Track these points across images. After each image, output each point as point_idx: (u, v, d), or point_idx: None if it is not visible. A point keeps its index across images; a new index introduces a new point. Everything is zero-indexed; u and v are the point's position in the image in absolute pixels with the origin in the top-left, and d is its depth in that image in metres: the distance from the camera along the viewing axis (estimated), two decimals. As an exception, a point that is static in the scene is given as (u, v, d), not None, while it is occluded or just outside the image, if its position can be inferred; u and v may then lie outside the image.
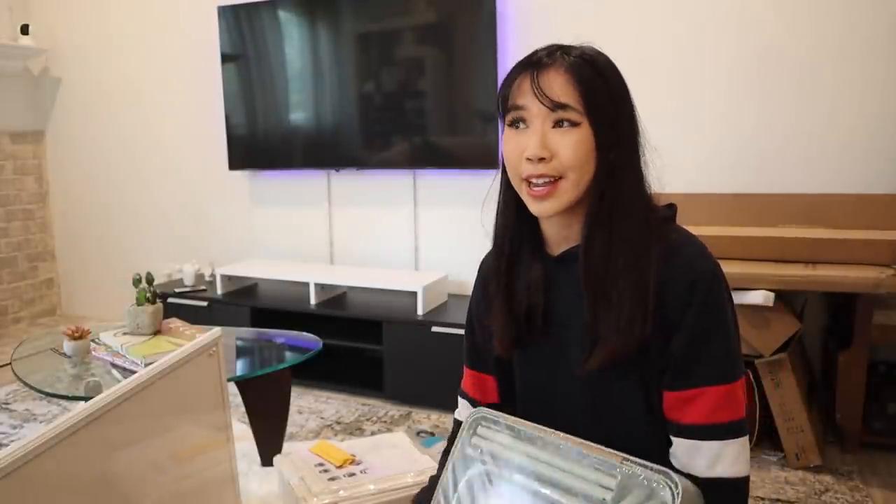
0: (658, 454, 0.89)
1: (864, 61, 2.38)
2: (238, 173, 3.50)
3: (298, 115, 3.20)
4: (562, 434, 0.85)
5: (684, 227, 0.97)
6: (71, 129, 3.98)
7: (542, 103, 0.87)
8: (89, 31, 3.81)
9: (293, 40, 3.16)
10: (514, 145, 0.91)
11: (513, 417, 0.90)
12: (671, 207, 0.99)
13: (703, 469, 0.85)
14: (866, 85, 2.39)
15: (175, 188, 3.73)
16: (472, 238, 3.09)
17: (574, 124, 0.87)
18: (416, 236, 3.17)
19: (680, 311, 0.86)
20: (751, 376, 2.17)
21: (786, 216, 2.39)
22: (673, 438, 0.88)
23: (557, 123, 0.88)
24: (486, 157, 2.82)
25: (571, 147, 0.87)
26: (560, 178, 0.88)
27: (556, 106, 0.87)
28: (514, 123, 0.91)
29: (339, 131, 3.12)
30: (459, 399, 1.10)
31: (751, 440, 2.19)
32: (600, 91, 0.89)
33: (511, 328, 0.97)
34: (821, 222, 2.33)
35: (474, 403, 1.07)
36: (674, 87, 2.64)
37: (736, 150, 2.58)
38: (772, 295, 2.03)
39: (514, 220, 1.00)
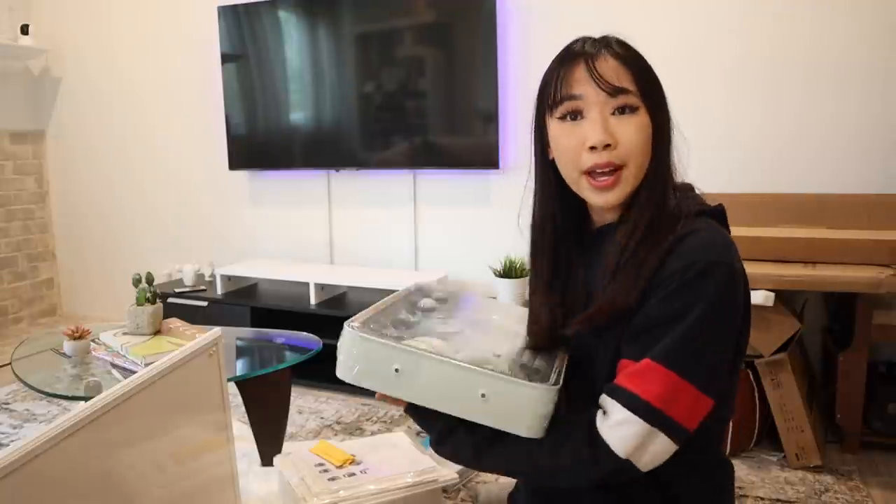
0: None
1: (865, 62, 2.38)
2: (238, 173, 3.50)
3: (298, 115, 3.20)
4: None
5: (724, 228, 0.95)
6: (71, 129, 3.98)
7: (602, 89, 0.86)
8: (89, 31, 3.81)
9: (293, 40, 3.16)
10: (573, 137, 0.89)
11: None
12: (719, 206, 0.99)
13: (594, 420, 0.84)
14: (867, 85, 2.39)
15: (175, 188, 3.73)
16: (472, 238, 3.10)
17: (634, 109, 0.87)
18: (416, 236, 3.17)
19: (664, 285, 0.84)
20: (751, 376, 2.17)
21: (786, 216, 2.39)
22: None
23: (618, 110, 0.87)
24: (486, 157, 2.82)
25: (634, 133, 0.87)
26: (622, 166, 0.88)
27: (617, 91, 0.87)
28: (567, 116, 0.90)
29: (338, 131, 3.12)
30: None
31: (751, 440, 2.20)
32: (650, 75, 0.91)
33: (551, 315, 0.98)
34: (821, 222, 2.33)
35: None
36: (674, 88, 2.62)
37: (737, 150, 2.58)
38: (772, 295, 2.03)
39: (559, 209, 1.00)
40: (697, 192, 1.01)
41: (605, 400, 0.84)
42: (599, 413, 0.85)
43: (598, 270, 0.93)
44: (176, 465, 0.86)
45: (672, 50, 2.62)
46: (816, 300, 2.51)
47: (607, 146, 0.86)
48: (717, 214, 0.95)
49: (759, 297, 2.04)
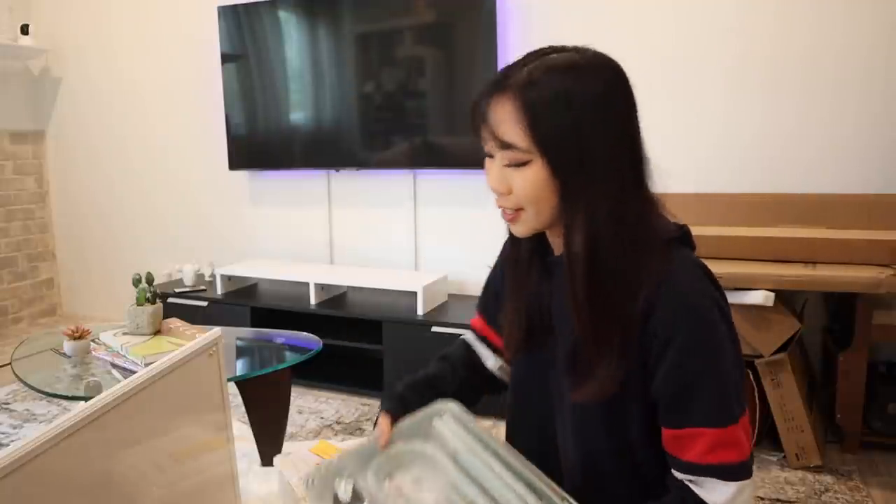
0: (633, 476, 0.88)
1: (865, 62, 2.38)
2: (238, 173, 3.50)
3: (298, 115, 3.20)
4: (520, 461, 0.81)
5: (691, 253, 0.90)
6: (71, 129, 3.98)
7: (492, 141, 0.83)
8: (89, 31, 3.81)
9: (293, 40, 3.16)
10: (487, 172, 0.88)
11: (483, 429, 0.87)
12: (681, 229, 0.90)
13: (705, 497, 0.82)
14: (867, 85, 2.39)
15: (175, 188, 3.73)
16: (472, 238, 3.10)
17: (524, 163, 0.81)
18: (416, 236, 3.17)
19: (664, 344, 0.80)
20: (751, 376, 2.17)
21: (786, 216, 2.39)
22: (674, 472, 0.85)
23: (509, 163, 0.83)
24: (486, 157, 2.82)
25: (522, 185, 0.82)
26: (521, 208, 0.85)
27: (504, 146, 0.82)
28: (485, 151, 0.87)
29: (338, 131, 3.12)
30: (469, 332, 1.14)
31: (751, 440, 2.20)
32: (555, 119, 0.79)
33: (518, 334, 0.96)
34: (821, 222, 2.33)
35: (479, 336, 1.11)
36: (675, 87, 2.64)
37: (737, 150, 2.58)
38: (772, 295, 2.03)
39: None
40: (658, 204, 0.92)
41: (702, 482, 0.82)
42: (700, 493, 0.82)
43: (555, 304, 0.92)
44: (176, 465, 0.86)
45: (672, 49, 2.62)
46: (816, 300, 2.51)
47: (502, 193, 0.85)
48: (684, 237, 0.90)
49: (759, 297, 2.04)
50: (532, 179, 0.81)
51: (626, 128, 0.85)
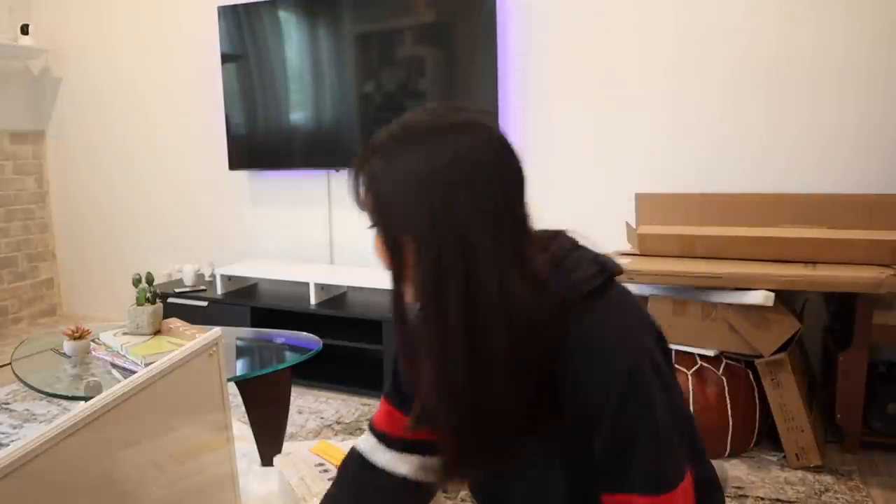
0: None
1: (867, 62, 2.38)
2: (238, 173, 3.50)
3: (298, 115, 3.20)
4: None
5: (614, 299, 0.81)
6: (71, 129, 3.98)
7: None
8: (89, 31, 3.81)
9: (293, 40, 3.16)
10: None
11: None
12: (603, 271, 0.81)
13: None
14: (869, 86, 2.39)
15: (175, 188, 3.73)
16: (472, 238, 3.09)
17: (374, 227, 0.79)
18: (416, 236, 3.17)
19: (597, 409, 0.75)
20: (751, 376, 2.17)
21: (786, 216, 2.39)
22: None
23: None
24: (486, 157, 2.82)
25: (380, 253, 0.80)
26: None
27: (362, 208, 0.80)
28: None
29: (338, 131, 3.12)
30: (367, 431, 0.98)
31: (751, 440, 2.20)
32: (392, 211, 0.75)
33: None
34: (821, 222, 2.33)
35: (383, 437, 0.96)
36: (675, 87, 2.64)
37: (737, 150, 2.58)
38: (772, 295, 2.03)
39: None
40: (572, 254, 0.83)
41: None
42: None
43: None
44: (176, 465, 0.86)
45: (672, 49, 2.62)
46: (816, 300, 2.51)
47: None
48: (607, 282, 0.80)
49: (759, 297, 2.04)
50: (382, 248, 0.78)
51: (492, 198, 0.75)
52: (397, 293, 0.80)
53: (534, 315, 0.73)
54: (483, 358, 0.73)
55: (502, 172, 0.77)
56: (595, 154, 2.80)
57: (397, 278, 0.78)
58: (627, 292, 0.83)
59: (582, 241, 0.86)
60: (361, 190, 0.78)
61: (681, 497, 0.77)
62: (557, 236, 0.85)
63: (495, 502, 0.89)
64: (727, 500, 1.88)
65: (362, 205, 0.79)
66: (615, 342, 0.76)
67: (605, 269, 0.80)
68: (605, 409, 0.75)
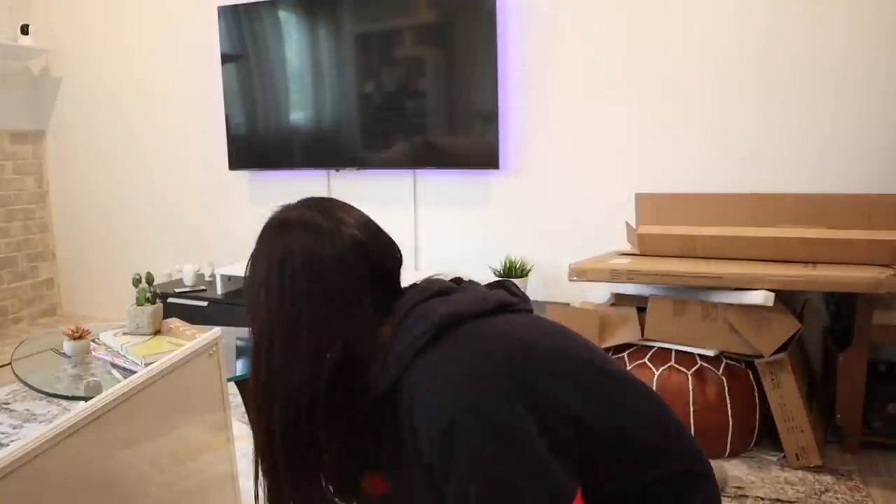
0: None
1: (866, 61, 2.38)
2: (238, 173, 3.50)
3: (298, 115, 3.20)
4: None
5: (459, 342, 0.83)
6: (71, 129, 3.98)
7: None
8: (89, 31, 3.81)
9: (293, 40, 3.16)
10: None
11: None
12: (440, 319, 0.83)
13: None
14: (868, 85, 2.39)
15: (175, 188, 3.73)
16: (472, 238, 3.10)
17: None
18: (416, 236, 3.17)
19: (438, 471, 0.77)
20: (751, 376, 2.17)
21: (786, 216, 2.39)
22: None
23: None
24: (486, 157, 2.82)
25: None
26: None
27: None
28: None
29: (338, 131, 3.12)
30: None
31: (751, 440, 2.20)
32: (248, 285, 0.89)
33: None
34: (821, 222, 2.33)
35: None
36: (675, 87, 2.64)
37: (737, 150, 2.58)
38: (772, 295, 2.03)
39: None
40: (414, 308, 0.87)
41: None
42: None
43: None
44: (176, 465, 0.86)
45: (672, 49, 2.62)
46: (816, 300, 2.51)
47: None
48: (441, 331, 0.82)
49: (759, 297, 2.04)
50: None
51: (316, 297, 0.83)
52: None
53: (356, 390, 0.81)
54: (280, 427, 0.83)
55: (340, 271, 0.85)
56: (595, 154, 2.80)
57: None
58: (468, 338, 0.83)
59: (459, 280, 0.96)
60: None
61: None
62: (404, 294, 0.92)
63: None
64: (727, 500, 1.88)
65: None
66: (430, 403, 0.78)
67: (441, 321, 0.82)
68: (440, 471, 0.77)
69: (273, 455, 0.84)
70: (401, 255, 0.96)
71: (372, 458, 0.88)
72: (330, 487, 0.89)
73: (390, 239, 0.95)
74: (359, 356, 0.83)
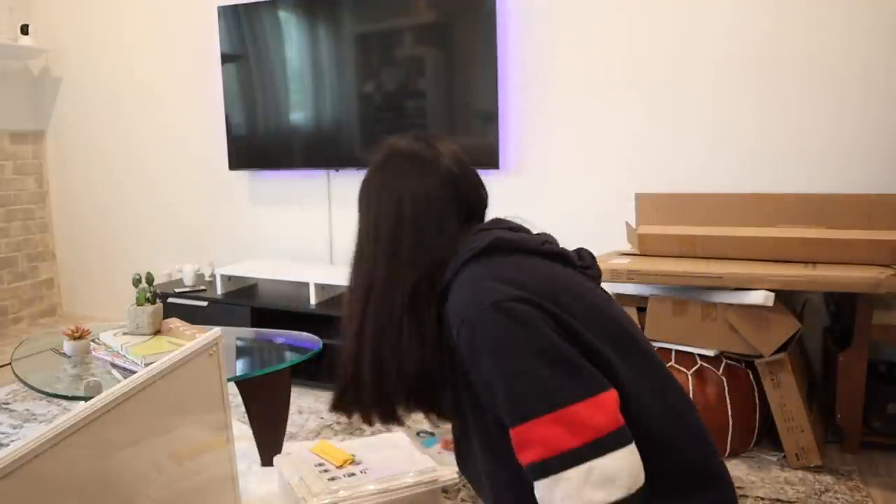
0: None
1: (866, 61, 2.38)
2: (238, 173, 3.50)
3: (298, 115, 3.20)
4: None
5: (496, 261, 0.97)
6: (71, 129, 3.98)
7: None
8: (89, 31, 3.81)
9: (293, 40, 3.16)
10: None
11: None
12: (484, 243, 0.98)
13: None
14: (867, 85, 2.39)
15: (175, 188, 3.73)
16: (472, 238, 3.09)
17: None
18: (416, 236, 3.17)
19: (463, 351, 0.90)
20: (751, 376, 2.17)
21: (786, 216, 2.39)
22: None
23: None
24: (486, 157, 2.82)
25: None
26: None
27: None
28: None
29: (338, 131, 3.12)
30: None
31: (751, 440, 2.20)
32: (360, 197, 1.08)
33: None
34: (821, 222, 2.33)
35: None
36: (674, 87, 2.64)
37: (736, 150, 2.58)
38: (772, 295, 2.03)
39: None
40: (483, 231, 1.02)
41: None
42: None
43: None
44: (176, 465, 0.86)
45: (671, 49, 2.62)
46: (816, 300, 2.51)
47: None
48: (491, 249, 0.97)
49: (759, 297, 2.04)
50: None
51: (415, 217, 1.02)
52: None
53: (435, 280, 0.97)
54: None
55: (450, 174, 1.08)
56: (595, 154, 2.80)
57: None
58: (506, 254, 0.97)
59: (523, 224, 1.10)
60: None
61: (541, 426, 0.83)
62: (485, 223, 1.09)
63: (464, 463, 1.05)
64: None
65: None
66: (460, 299, 0.91)
67: (491, 243, 0.97)
68: (461, 347, 0.89)
69: (360, 361, 1.02)
70: (486, 194, 1.14)
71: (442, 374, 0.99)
72: (410, 401, 1.03)
73: (478, 177, 1.14)
74: (438, 267, 0.98)
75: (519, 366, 0.84)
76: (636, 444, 0.87)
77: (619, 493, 0.82)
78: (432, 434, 2.24)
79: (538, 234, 1.09)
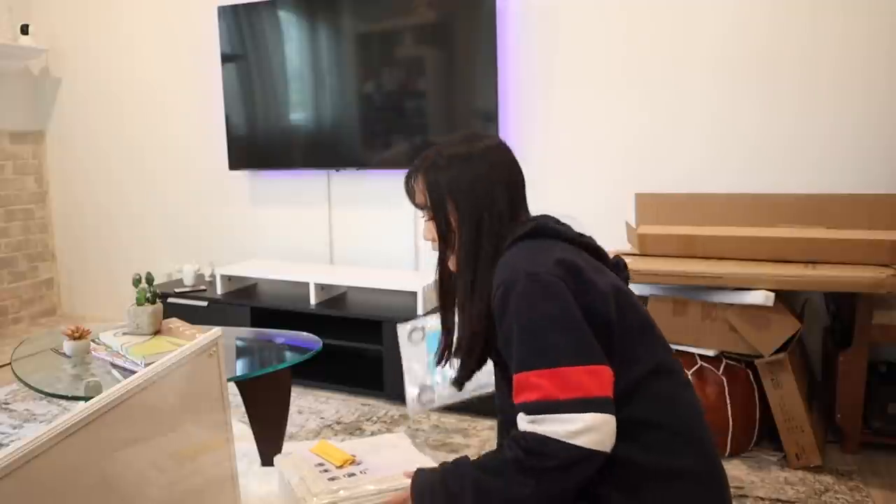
0: None
1: (865, 61, 2.38)
2: (238, 173, 3.50)
3: (298, 115, 3.20)
4: None
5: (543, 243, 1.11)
6: (71, 129, 3.98)
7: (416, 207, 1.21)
8: (89, 31, 3.81)
9: (293, 40, 3.16)
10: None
11: None
12: (530, 227, 1.13)
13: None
14: (868, 85, 2.39)
15: (175, 188, 3.73)
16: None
17: (430, 218, 1.19)
18: (416, 236, 3.17)
19: (497, 316, 1.06)
20: (751, 376, 2.17)
21: (786, 216, 2.39)
22: None
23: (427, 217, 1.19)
24: (486, 157, 2.82)
25: (433, 234, 1.18)
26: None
27: (417, 207, 1.21)
28: None
29: (338, 131, 3.12)
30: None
31: (751, 440, 2.20)
32: (442, 190, 1.15)
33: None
34: (821, 222, 2.33)
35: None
36: (674, 87, 2.64)
37: (736, 150, 2.58)
38: (772, 295, 2.03)
39: None
40: (532, 220, 1.17)
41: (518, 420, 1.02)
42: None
43: None
44: (176, 465, 0.86)
45: (671, 49, 2.62)
46: (816, 300, 2.51)
47: (430, 241, 1.21)
48: (534, 233, 1.12)
49: (759, 297, 2.04)
50: (434, 227, 1.18)
51: (497, 196, 1.15)
52: (442, 259, 1.21)
53: (486, 258, 1.13)
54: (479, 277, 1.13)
55: (511, 167, 1.20)
56: (595, 154, 2.80)
57: (444, 245, 1.18)
58: (547, 239, 1.12)
59: (565, 219, 1.21)
60: (419, 185, 1.18)
61: (545, 377, 0.97)
62: (536, 216, 1.22)
63: (502, 411, 1.22)
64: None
65: (418, 200, 1.20)
66: (503, 268, 1.07)
67: (535, 226, 1.13)
68: (496, 312, 1.05)
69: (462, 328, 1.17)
70: (523, 178, 1.23)
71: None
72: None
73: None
74: (501, 236, 1.14)
75: (533, 324, 0.99)
76: (639, 426, 1.00)
77: (591, 445, 0.93)
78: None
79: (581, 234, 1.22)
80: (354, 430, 2.47)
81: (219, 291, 3.16)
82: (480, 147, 1.17)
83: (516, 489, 0.97)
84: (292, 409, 2.26)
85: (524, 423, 0.98)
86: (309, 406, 2.69)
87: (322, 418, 2.58)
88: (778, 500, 1.93)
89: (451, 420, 2.50)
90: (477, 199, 1.14)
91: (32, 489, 0.63)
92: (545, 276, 1.01)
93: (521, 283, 1.01)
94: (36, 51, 3.83)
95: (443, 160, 1.16)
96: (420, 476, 1.13)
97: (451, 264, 1.19)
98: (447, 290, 1.24)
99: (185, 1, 3.51)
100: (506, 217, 1.14)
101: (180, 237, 3.76)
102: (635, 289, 2.28)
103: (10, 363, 1.94)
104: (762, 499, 1.94)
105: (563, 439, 0.93)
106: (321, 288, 2.98)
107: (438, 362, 1.29)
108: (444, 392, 1.55)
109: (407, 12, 2.91)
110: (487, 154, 1.16)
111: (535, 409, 0.96)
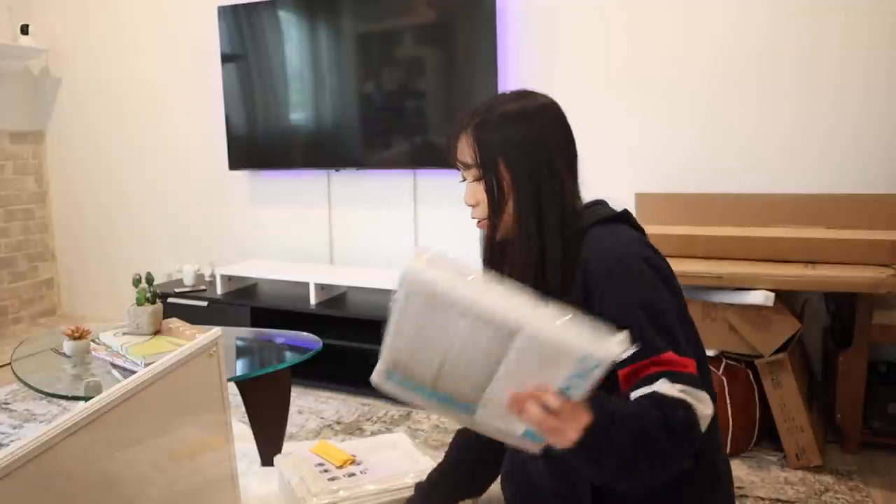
0: None
1: (865, 61, 2.38)
2: (238, 173, 3.50)
3: (298, 115, 3.20)
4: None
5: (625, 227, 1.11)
6: (71, 129, 3.98)
7: (458, 166, 1.12)
8: (89, 31, 3.81)
9: (293, 40, 3.16)
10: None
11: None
12: (621, 212, 1.13)
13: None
14: (867, 85, 2.39)
15: (175, 188, 3.73)
16: (473, 238, 3.09)
17: (477, 179, 1.09)
18: (416, 236, 3.17)
19: (602, 288, 1.01)
20: (751, 376, 2.17)
21: (786, 216, 2.39)
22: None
23: (472, 179, 1.10)
24: (486, 157, 2.82)
25: (481, 196, 1.09)
26: (484, 217, 1.11)
27: (465, 167, 1.10)
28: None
29: (338, 131, 3.12)
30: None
31: (751, 440, 2.20)
32: (494, 149, 1.07)
33: None
34: (820, 222, 2.33)
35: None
36: (674, 87, 2.64)
37: (736, 150, 2.58)
38: (772, 295, 2.03)
39: None
40: (603, 205, 1.15)
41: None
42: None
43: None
44: (176, 465, 0.86)
45: (671, 49, 2.62)
46: (816, 300, 2.50)
47: (472, 206, 1.12)
48: (620, 218, 1.11)
49: (759, 297, 2.04)
50: (486, 189, 1.08)
51: (555, 157, 1.08)
52: (494, 223, 1.10)
53: (568, 225, 1.07)
54: (543, 237, 1.07)
55: (560, 143, 1.10)
56: (594, 154, 2.80)
57: (495, 209, 1.08)
58: (628, 228, 1.11)
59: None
60: (468, 142, 1.08)
61: (680, 360, 0.94)
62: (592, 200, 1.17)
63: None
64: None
65: (462, 157, 1.10)
66: (607, 249, 1.03)
67: (613, 215, 1.11)
68: (603, 286, 1.00)
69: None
70: (573, 136, 1.16)
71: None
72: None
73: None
74: (564, 203, 1.08)
75: (659, 308, 0.98)
76: None
77: (708, 411, 0.92)
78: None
79: None
80: (354, 430, 2.47)
81: (219, 291, 3.16)
82: (535, 105, 1.09)
83: (678, 450, 0.91)
84: (292, 409, 2.26)
85: (671, 388, 0.92)
86: (309, 406, 2.69)
87: (322, 418, 2.58)
88: (778, 500, 1.93)
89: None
90: (532, 160, 1.06)
91: (32, 489, 0.63)
92: (658, 262, 1.04)
93: (635, 264, 1.00)
94: (36, 51, 3.83)
95: (494, 117, 1.07)
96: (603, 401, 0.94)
97: (503, 230, 1.10)
98: (495, 258, 1.17)
99: (185, 1, 3.51)
100: (567, 180, 1.08)
101: (180, 237, 3.76)
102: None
103: (10, 363, 1.94)
104: (762, 499, 1.94)
105: (701, 421, 0.91)
106: (321, 288, 2.98)
107: None
108: None
109: (407, 12, 2.91)
110: (543, 112, 1.09)
111: (687, 380, 0.93)
